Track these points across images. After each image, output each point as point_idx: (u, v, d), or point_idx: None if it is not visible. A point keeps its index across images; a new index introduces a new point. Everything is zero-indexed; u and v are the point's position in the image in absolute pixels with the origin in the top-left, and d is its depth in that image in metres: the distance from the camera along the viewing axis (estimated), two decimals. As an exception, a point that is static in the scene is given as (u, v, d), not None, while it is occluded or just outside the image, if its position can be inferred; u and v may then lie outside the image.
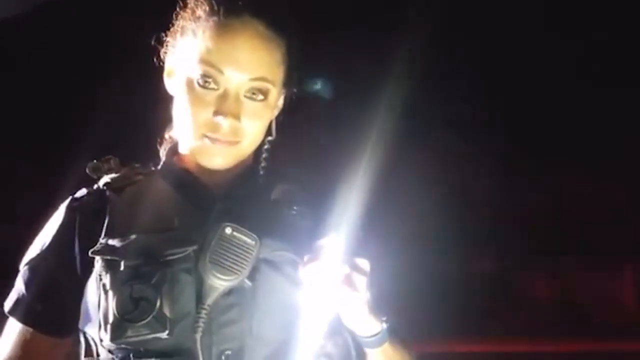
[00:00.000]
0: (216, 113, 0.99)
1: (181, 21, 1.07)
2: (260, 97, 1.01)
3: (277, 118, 1.12)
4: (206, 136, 1.01)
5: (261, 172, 1.09)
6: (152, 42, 1.13)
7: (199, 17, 1.03)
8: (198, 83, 1.00)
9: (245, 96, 1.01)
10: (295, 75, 1.11)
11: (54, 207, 1.10)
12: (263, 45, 1.01)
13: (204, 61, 0.99)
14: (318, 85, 1.11)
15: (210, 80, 0.99)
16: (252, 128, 1.02)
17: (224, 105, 0.99)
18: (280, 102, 1.11)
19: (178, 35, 1.07)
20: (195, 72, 1.00)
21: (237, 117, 0.99)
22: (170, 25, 1.10)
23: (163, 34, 1.12)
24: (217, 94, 1.00)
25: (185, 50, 1.04)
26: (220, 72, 0.98)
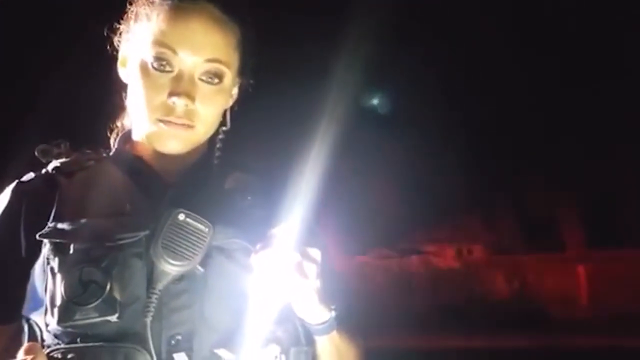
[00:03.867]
0: (170, 94, 0.99)
1: (135, 7, 1.07)
2: (216, 80, 1.02)
3: (231, 108, 1.12)
4: (160, 120, 1.00)
5: (215, 162, 1.10)
6: (105, 31, 1.12)
7: (152, 2, 1.03)
8: (152, 66, 1.00)
9: (200, 79, 1.01)
10: (251, 64, 1.11)
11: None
12: (218, 28, 1.01)
13: (158, 42, 0.99)
14: (375, 100, 1.13)
15: (164, 63, 1.00)
16: (206, 112, 1.02)
17: (179, 86, 0.99)
18: (235, 92, 1.12)
19: (132, 21, 1.07)
20: (149, 55, 1.00)
21: (191, 97, 0.99)
22: (124, 13, 1.10)
23: (116, 23, 1.11)
24: (171, 77, 1.00)
25: (140, 35, 1.03)
26: (174, 52, 0.99)
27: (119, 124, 1.18)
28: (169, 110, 1.00)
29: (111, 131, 1.18)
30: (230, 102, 1.12)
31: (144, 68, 1.01)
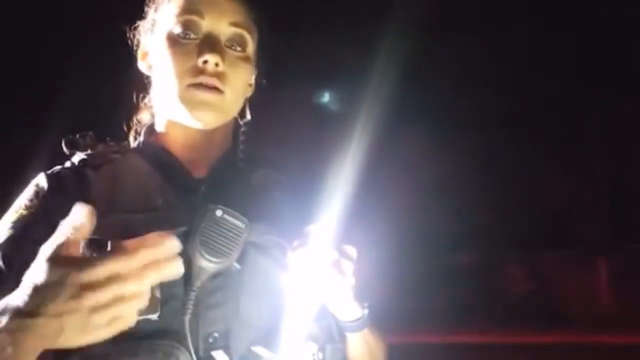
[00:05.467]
0: (200, 54, 1.01)
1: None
2: (239, 48, 1.05)
3: (249, 99, 1.13)
4: (191, 85, 1.01)
5: (240, 155, 1.10)
6: (128, 31, 1.13)
7: None
8: (179, 36, 1.03)
9: (225, 45, 1.04)
10: (266, 58, 1.12)
11: (20, 186, 1.03)
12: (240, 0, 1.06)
13: (185, 11, 1.03)
14: (326, 98, 1.15)
15: (191, 31, 1.03)
16: (234, 78, 1.04)
17: (207, 45, 1.01)
18: (253, 82, 1.13)
19: (152, 12, 1.10)
20: (176, 26, 1.03)
21: (221, 56, 1.01)
22: (143, 11, 1.12)
23: (137, 22, 1.13)
24: (198, 42, 1.02)
25: (163, 17, 1.06)
26: (201, 17, 1.02)
27: (135, 119, 1.17)
28: (199, 71, 1.01)
29: (129, 128, 1.17)
30: (250, 90, 1.13)
31: (171, 40, 1.03)
